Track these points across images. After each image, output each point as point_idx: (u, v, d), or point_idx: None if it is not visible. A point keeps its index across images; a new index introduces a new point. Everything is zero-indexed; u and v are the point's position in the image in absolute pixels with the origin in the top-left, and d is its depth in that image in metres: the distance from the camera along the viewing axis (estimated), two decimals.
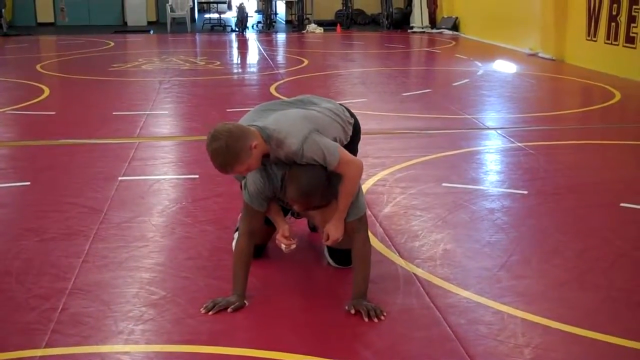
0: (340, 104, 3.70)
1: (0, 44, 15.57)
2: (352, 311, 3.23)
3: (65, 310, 3.29)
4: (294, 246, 3.48)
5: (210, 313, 3.23)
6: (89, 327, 3.14)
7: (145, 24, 19.95)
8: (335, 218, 3.37)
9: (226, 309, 3.25)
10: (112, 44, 15.49)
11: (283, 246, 3.47)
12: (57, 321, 3.18)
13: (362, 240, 3.39)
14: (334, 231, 3.38)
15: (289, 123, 3.25)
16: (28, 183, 5.27)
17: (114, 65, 11.92)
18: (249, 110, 3.54)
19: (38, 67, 11.61)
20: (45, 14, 20.12)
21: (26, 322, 3.18)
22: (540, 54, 12.55)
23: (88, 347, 2.98)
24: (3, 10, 17.06)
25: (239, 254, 3.37)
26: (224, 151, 3.07)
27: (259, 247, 3.72)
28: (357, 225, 3.39)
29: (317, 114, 3.41)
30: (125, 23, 20.23)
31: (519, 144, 6.38)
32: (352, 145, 3.68)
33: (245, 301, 3.32)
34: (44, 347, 2.97)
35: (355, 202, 3.38)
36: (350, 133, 3.64)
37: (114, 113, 7.83)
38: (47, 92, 9.17)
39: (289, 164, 3.26)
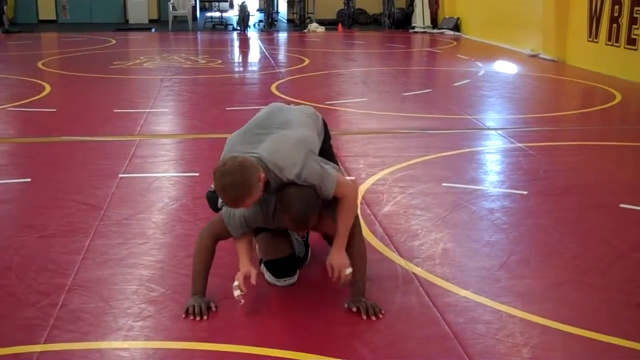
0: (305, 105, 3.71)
1: (1, 40, 15.58)
2: (354, 309, 3.23)
3: (65, 306, 3.30)
4: (239, 294, 3.20)
5: (205, 317, 3.19)
6: (88, 323, 3.15)
7: (147, 22, 19.96)
8: (336, 246, 3.31)
9: (208, 309, 3.23)
10: (114, 41, 15.49)
11: (237, 286, 3.20)
12: (57, 317, 3.19)
13: (357, 239, 3.39)
14: (338, 261, 3.29)
15: (286, 150, 3.19)
16: (29, 180, 5.28)
17: (115, 62, 11.92)
18: (234, 130, 3.49)
19: (39, 64, 11.62)
20: (47, 11, 20.12)
21: (26, 317, 3.19)
22: (541, 55, 12.55)
23: (87, 343, 2.99)
24: (5, 7, 17.07)
25: (204, 253, 3.31)
26: (238, 186, 3.01)
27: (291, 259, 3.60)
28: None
29: (306, 132, 3.37)
30: (127, 21, 20.23)
31: (519, 145, 6.39)
32: (325, 144, 3.65)
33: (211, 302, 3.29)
34: (43, 343, 2.97)
35: None
36: (322, 135, 3.64)
37: (114, 110, 7.84)
38: (48, 89, 9.18)
39: (280, 190, 3.19)
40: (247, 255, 3.32)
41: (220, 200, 3.37)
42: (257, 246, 3.65)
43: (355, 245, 3.37)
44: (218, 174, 3.04)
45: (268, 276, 3.54)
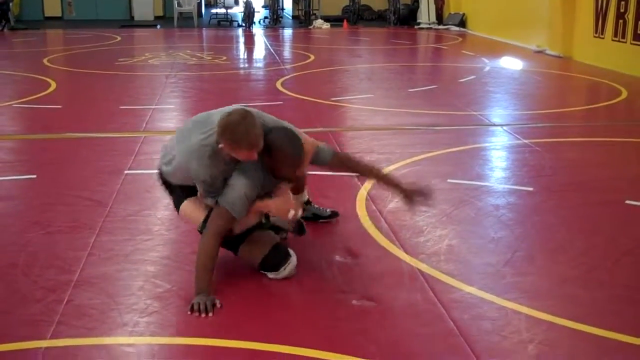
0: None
1: (8, 37, 15.62)
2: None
3: (71, 302, 3.31)
4: (300, 214, 3.63)
5: (210, 314, 3.19)
6: (94, 319, 3.16)
7: (152, 18, 19.98)
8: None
9: (213, 306, 3.23)
10: (119, 38, 15.51)
11: (292, 212, 3.52)
12: (63, 313, 3.20)
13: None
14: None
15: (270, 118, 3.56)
16: (34, 176, 5.29)
17: (121, 59, 11.94)
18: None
19: (45, 60, 11.64)
20: (52, 8, 20.15)
21: (32, 313, 3.20)
22: (547, 51, 12.51)
23: (93, 339, 3.00)
24: (11, 4, 17.09)
25: (210, 254, 3.34)
26: (256, 124, 3.29)
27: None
28: None
29: None
30: (132, 17, 20.25)
31: (525, 141, 6.38)
32: None
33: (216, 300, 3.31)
34: (49, 339, 2.99)
35: None
36: None
37: (120, 107, 7.85)
38: (54, 85, 9.19)
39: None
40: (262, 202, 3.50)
41: (211, 199, 3.44)
42: (246, 258, 3.61)
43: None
44: (234, 123, 3.25)
45: (270, 274, 3.54)
